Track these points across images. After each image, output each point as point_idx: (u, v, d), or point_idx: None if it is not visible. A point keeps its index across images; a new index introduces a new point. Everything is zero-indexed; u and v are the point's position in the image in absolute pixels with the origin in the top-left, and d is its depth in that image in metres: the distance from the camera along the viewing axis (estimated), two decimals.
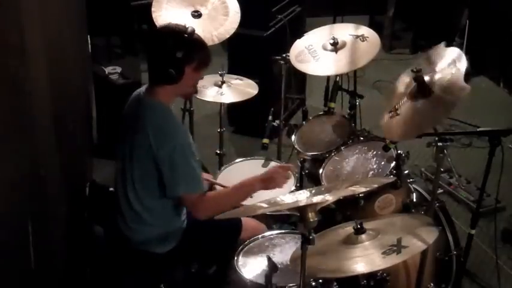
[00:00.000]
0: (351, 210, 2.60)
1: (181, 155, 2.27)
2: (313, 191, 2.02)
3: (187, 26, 2.33)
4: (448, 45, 2.34)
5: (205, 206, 2.34)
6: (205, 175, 2.89)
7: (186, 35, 2.29)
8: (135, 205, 2.39)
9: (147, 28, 5.30)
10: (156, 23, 3.18)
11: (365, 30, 3.13)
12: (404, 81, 2.46)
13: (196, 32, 2.33)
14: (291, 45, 3.24)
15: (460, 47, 5.25)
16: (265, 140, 3.18)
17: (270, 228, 2.66)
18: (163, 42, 2.30)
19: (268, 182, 2.41)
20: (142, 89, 2.43)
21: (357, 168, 2.77)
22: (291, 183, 2.84)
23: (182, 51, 2.27)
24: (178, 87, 2.34)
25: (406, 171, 2.63)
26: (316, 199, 1.84)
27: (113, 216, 2.49)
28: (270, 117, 3.28)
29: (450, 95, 2.18)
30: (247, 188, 2.42)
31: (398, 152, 2.57)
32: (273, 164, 2.96)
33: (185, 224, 2.49)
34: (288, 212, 2.71)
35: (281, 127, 3.39)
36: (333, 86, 3.32)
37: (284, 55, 3.26)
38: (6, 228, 1.99)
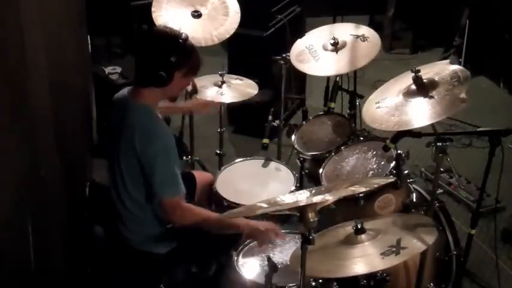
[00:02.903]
0: (351, 210, 2.59)
1: (164, 159, 2.26)
2: (313, 191, 2.02)
3: (181, 32, 2.33)
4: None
5: (184, 215, 2.31)
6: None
7: (180, 40, 2.29)
8: (129, 206, 2.39)
9: (146, 29, 5.31)
10: (156, 23, 3.18)
11: (365, 30, 3.13)
12: (401, 80, 2.50)
13: (189, 38, 2.33)
14: (291, 45, 3.24)
15: (460, 47, 5.27)
16: (265, 140, 3.18)
17: None
18: (157, 45, 2.30)
19: (256, 234, 2.36)
20: (125, 91, 2.42)
21: (357, 168, 2.77)
22: (290, 184, 2.84)
23: (175, 55, 2.27)
24: (164, 91, 2.34)
25: (406, 171, 2.63)
26: (316, 199, 1.84)
27: (112, 217, 2.49)
28: (270, 117, 3.28)
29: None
30: (232, 227, 2.36)
31: (398, 152, 2.57)
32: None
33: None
34: (288, 212, 2.71)
35: (281, 127, 3.38)
36: (333, 86, 3.32)
37: (284, 55, 3.26)
38: (6, 228, 1.99)
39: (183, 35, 2.31)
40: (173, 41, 2.29)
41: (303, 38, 3.23)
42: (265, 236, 2.36)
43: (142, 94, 2.33)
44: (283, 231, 2.55)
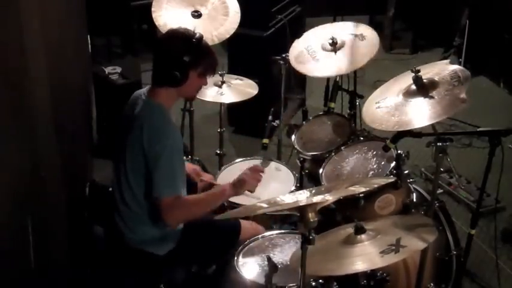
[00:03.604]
0: (351, 210, 2.59)
1: (168, 158, 2.27)
2: (313, 191, 2.02)
3: (196, 32, 2.36)
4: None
5: (177, 211, 2.31)
6: (206, 176, 2.89)
7: (194, 40, 2.32)
8: (130, 204, 2.39)
9: (146, 29, 5.32)
10: (156, 23, 3.18)
11: (364, 29, 3.13)
12: (401, 80, 2.50)
13: (204, 38, 2.36)
14: (290, 46, 3.24)
15: (460, 47, 5.27)
16: (265, 140, 3.18)
17: (270, 228, 2.66)
18: (172, 45, 2.33)
19: (238, 185, 2.42)
20: (144, 90, 2.44)
21: (357, 168, 2.77)
22: (290, 184, 2.85)
23: (189, 55, 2.29)
24: (180, 91, 2.37)
25: (406, 171, 2.63)
26: (316, 199, 1.84)
27: (113, 216, 2.49)
28: (270, 117, 3.28)
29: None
30: (219, 194, 2.43)
31: (398, 152, 2.57)
32: (250, 164, 2.80)
33: (182, 224, 2.49)
34: (288, 212, 2.71)
35: (281, 127, 3.39)
36: (333, 86, 3.32)
37: (284, 55, 3.26)
38: (6, 228, 1.99)
39: (197, 35, 2.34)
40: (186, 40, 2.32)
41: (301, 38, 3.22)
42: (250, 181, 2.43)
43: (158, 93, 2.36)
44: (283, 231, 2.56)
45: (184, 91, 2.39)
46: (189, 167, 2.87)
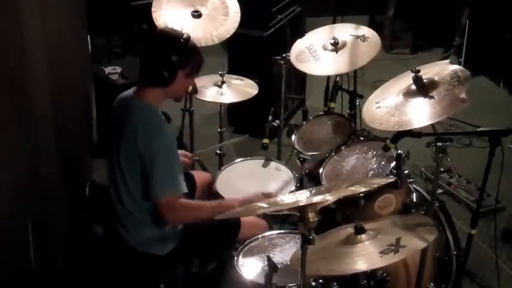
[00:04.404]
0: (351, 210, 2.59)
1: (164, 158, 2.27)
2: (313, 191, 2.02)
3: (183, 32, 2.35)
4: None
5: (179, 212, 2.31)
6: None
7: (182, 40, 2.31)
8: (128, 205, 2.39)
9: (146, 29, 5.33)
10: (156, 23, 3.18)
11: (366, 31, 3.13)
12: (401, 80, 2.50)
13: (192, 38, 2.36)
14: (291, 45, 3.24)
15: (460, 47, 5.27)
16: (265, 140, 3.18)
17: (270, 228, 2.66)
18: (160, 45, 2.33)
19: (247, 204, 2.35)
20: (130, 91, 2.43)
21: (357, 168, 2.77)
22: (290, 184, 2.85)
23: (177, 55, 2.29)
24: (167, 91, 2.36)
25: (406, 171, 2.63)
26: (316, 199, 1.84)
27: (112, 217, 2.49)
28: (270, 117, 3.28)
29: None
30: (224, 207, 2.39)
31: (398, 152, 2.57)
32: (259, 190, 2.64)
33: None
34: (288, 212, 2.71)
35: (281, 127, 3.38)
36: (333, 86, 3.32)
37: (284, 55, 3.26)
38: (6, 228, 1.99)
39: (185, 35, 2.34)
40: (175, 40, 2.31)
41: (303, 38, 3.23)
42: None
43: (146, 94, 2.35)
44: (283, 231, 2.56)
45: (172, 91, 2.38)
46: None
